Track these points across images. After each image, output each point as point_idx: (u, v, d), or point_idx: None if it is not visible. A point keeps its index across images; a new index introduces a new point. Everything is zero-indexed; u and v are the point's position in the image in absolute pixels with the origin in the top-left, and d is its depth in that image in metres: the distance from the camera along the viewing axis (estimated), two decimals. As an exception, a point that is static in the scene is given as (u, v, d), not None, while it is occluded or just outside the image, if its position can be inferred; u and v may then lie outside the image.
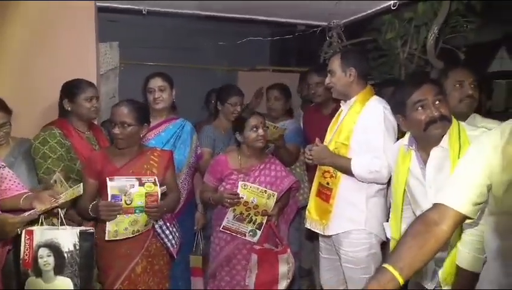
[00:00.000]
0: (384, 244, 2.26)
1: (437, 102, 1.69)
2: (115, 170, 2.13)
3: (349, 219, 2.23)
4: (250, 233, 2.43)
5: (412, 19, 3.41)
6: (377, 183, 2.20)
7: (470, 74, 2.12)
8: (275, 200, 2.41)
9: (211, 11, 3.14)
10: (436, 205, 1.35)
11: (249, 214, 2.41)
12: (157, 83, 2.62)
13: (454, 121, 1.73)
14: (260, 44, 3.90)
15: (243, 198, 2.36)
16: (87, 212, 2.06)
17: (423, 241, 1.26)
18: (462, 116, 1.95)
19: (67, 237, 1.72)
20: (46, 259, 1.70)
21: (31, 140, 2.25)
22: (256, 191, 2.39)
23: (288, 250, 2.46)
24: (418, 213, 1.85)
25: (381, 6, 2.94)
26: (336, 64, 2.30)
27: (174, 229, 2.27)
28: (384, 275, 1.21)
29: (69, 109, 2.30)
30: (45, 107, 2.55)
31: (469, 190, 1.31)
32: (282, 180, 2.51)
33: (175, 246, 2.25)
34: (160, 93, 2.61)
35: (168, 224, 2.23)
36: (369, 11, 3.12)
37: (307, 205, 3.09)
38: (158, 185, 2.07)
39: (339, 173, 2.23)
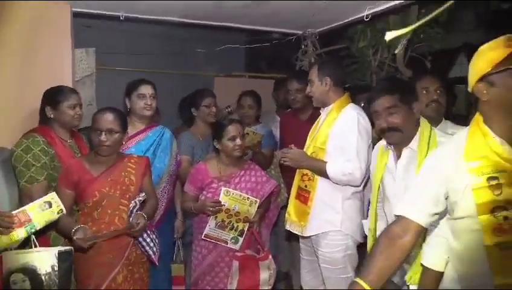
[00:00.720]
0: (360, 246, 2.36)
1: (389, 113, 1.84)
2: (92, 178, 2.11)
3: (326, 221, 2.32)
4: (232, 240, 2.43)
5: (383, 29, 3.57)
6: (351, 186, 2.30)
7: (435, 81, 2.28)
8: (256, 207, 2.43)
9: (188, 18, 3.15)
10: (398, 218, 1.49)
11: (231, 221, 2.42)
12: (149, 90, 2.61)
13: (426, 124, 1.88)
14: (236, 51, 3.94)
15: (224, 205, 2.37)
16: (66, 229, 1.97)
17: (389, 254, 1.42)
18: (433, 121, 2.08)
19: (45, 259, 1.67)
20: (21, 284, 1.64)
21: (7, 148, 2.20)
22: (238, 198, 2.40)
23: (270, 256, 2.48)
24: (386, 210, 1.99)
25: (355, 17, 3.05)
26: (313, 74, 2.42)
27: (154, 236, 2.25)
28: (355, 287, 1.40)
29: (52, 116, 2.26)
30: (21, 115, 2.48)
31: (427, 201, 1.45)
32: (263, 185, 2.55)
33: (156, 254, 2.24)
34: (152, 100, 2.61)
35: (148, 232, 2.21)
36: (342, 22, 3.23)
37: (282, 207, 3.20)
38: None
39: (316, 176, 2.33)
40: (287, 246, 3.49)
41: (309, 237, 2.41)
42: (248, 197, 2.42)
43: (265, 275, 2.44)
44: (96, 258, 2.07)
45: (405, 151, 1.89)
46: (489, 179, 1.32)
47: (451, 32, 4.10)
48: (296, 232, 2.44)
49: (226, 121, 2.56)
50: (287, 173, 2.93)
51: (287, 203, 3.20)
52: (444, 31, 3.77)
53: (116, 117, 2.14)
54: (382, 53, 3.70)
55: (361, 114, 2.32)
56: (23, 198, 2.07)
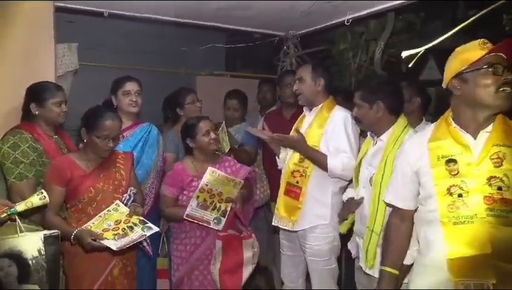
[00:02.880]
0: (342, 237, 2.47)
1: (356, 106, 2.16)
2: (86, 175, 2.12)
3: (316, 215, 2.43)
4: (215, 221, 2.41)
5: (363, 33, 3.72)
6: (342, 179, 2.42)
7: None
8: (239, 187, 2.46)
9: (172, 16, 3.17)
10: (393, 209, 1.79)
11: (213, 201, 2.42)
12: (134, 86, 2.64)
13: (403, 122, 2.09)
14: (217, 50, 3.98)
15: (207, 185, 2.40)
16: (54, 225, 1.97)
17: (397, 241, 1.75)
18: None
19: (30, 243, 1.66)
20: (7, 270, 1.62)
21: None
22: (223, 179, 2.43)
23: (253, 235, 2.48)
24: (360, 192, 2.17)
25: (336, 20, 3.16)
26: (306, 72, 2.50)
27: None
28: (387, 276, 1.73)
29: (37, 113, 2.22)
30: (2, 111, 2.43)
31: (409, 187, 1.71)
32: (238, 171, 2.59)
33: (149, 244, 2.26)
34: (137, 97, 2.63)
35: None
36: (324, 24, 3.33)
37: (267, 204, 3.29)
38: None
39: (308, 172, 2.43)
40: (266, 241, 3.57)
41: (295, 232, 2.49)
42: (233, 179, 2.45)
43: (249, 253, 2.44)
44: (94, 253, 2.07)
45: (378, 141, 2.11)
46: (448, 161, 1.55)
47: (422, 38, 4.32)
48: (286, 228, 2.51)
49: (194, 119, 2.58)
50: (271, 171, 3.01)
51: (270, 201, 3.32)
52: (417, 37, 3.97)
53: (120, 122, 2.19)
54: (361, 56, 3.84)
55: (350, 114, 2.43)
56: (12, 195, 2.04)
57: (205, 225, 2.41)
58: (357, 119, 2.22)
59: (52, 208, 2.03)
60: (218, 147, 2.61)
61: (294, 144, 2.43)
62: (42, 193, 1.71)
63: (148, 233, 2.08)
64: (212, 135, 2.50)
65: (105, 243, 1.97)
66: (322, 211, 2.43)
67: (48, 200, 1.71)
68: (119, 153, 2.31)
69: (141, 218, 2.12)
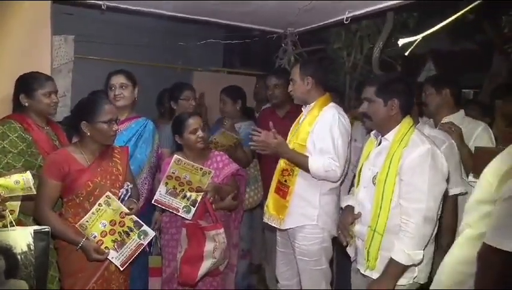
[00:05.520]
0: (335, 239, 2.45)
1: (366, 102, 2.05)
2: (83, 169, 2.08)
3: (303, 215, 2.41)
4: (184, 209, 2.40)
5: (357, 31, 3.73)
6: (329, 181, 2.39)
7: None
8: (210, 177, 2.42)
9: (170, 11, 3.15)
10: None
11: (183, 189, 2.41)
12: (119, 80, 2.61)
13: (408, 122, 2.01)
14: (215, 46, 3.97)
15: (174, 173, 2.38)
16: (47, 220, 1.96)
17: None
18: None
19: (20, 238, 1.66)
20: None
21: None
22: (189, 168, 2.40)
23: (220, 229, 2.40)
24: (360, 196, 2.10)
25: (335, 19, 3.15)
26: (295, 73, 2.49)
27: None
28: None
29: (26, 104, 2.20)
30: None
31: None
32: (224, 167, 2.57)
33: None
34: (121, 90, 2.60)
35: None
36: (323, 22, 3.33)
37: (261, 204, 3.28)
38: None
39: (296, 172, 2.41)
40: (261, 239, 3.58)
41: (286, 230, 2.48)
42: (201, 168, 2.41)
43: (210, 246, 2.37)
44: None
45: (383, 141, 2.05)
46: None
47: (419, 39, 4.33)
48: (274, 225, 2.51)
49: (185, 115, 2.55)
50: (266, 172, 2.99)
51: (263, 201, 3.31)
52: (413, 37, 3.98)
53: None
54: (356, 54, 3.85)
55: (341, 113, 2.42)
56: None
57: (174, 212, 2.41)
58: (365, 116, 2.12)
59: (48, 203, 2.01)
60: (205, 145, 2.56)
61: (276, 149, 2.38)
62: (30, 188, 1.68)
63: (145, 241, 2.11)
64: (200, 133, 2.46)
65: (109, 257, 2.04)
66: (309, 211, 2.40)
67: (26, 186, 1.67)
68: (115, 147, 2.29)
69: (135, 219, 2.12)
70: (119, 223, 2.09)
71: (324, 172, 2.31)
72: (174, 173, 2.39)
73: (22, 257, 1.65)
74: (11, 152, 2.06)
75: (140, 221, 2.14)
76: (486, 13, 4.25)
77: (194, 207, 2.41)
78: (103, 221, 2.05)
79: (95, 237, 2.04)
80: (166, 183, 2.40)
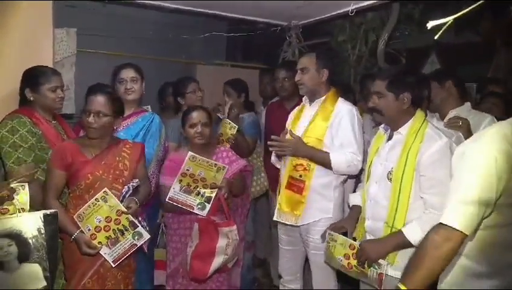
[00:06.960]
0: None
1: (376, 96, 2.00)
2: (86, 161, 2.09)
3: (319, 209, 2.40)
4: (199, 206, 2.38)
5: (361, 24, 3.69)
6: (350, 175, 2.39)
7: None
8: (224, 173, 2.40)
9: (173, 3, 3.12)
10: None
11: (197, 186, 2.40)
12: (129, 73, 2.59)
13: (421, 116, 1.99)
14: (218, 39, 3.94)
15: (189, 170, 2.37)
16: (49, 208, 1.93)
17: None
18: None
19: (30, 223, 1.69)
20: (7, 249, 1.65)
21: None
22: (204, 165, 2.38)
23: (233, 226, 2.38)
24: (371, 191, 2.07)
25: (339, 11, 3.12)
26: (310, 62, 2.43)
27: (145, 224, 2.25)
28: None
29: (32, 99, 2.18)
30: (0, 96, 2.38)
31: None
32: (232, 163, 2.55)
33: (145, 243, 2.22)
34: (132, 84, 2.58)
35: (139, 218, 2.20)
36: (327, 15, 3.30)
37: (268, 197, 3.27)
38: None
39: (312, 166, 2.37)
40: (266, 234, 3.57)
41: (298, 226, 2.44)
42: (215, 164, 2.39)
43: (223, 243, 2.34)
44: None
45: (395, 134, 2.02)
46: None
47: (424, 32, 4.30)
48: (289, 223, 2.45)
49: (190, 109, 2.54)
50: (270, 164, 2.97)
51: (267, 193, 3.31)
52: (418, 30, 3.95)
53: (107, 100, 2.10)
54: (360, 47, 3.82)
55: (355, 108, 2.42)
56: (10, 179, 2.00)
57: (189, 209, 2.38)
58: (375, 110, 2.04)
59: (52, 191, 2.04)
60: (206, 141, 2.51)
61: (294, 149, 2.33)
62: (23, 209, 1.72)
63: (139, 243, 2.10)
64: (198, 129, 2.43)
65: (102, 252, 2.04)
66: (325, 205, 2.39)
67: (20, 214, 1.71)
68: (128, 142, 2.26)
69: (131, 219, 2.09)
70: (115, 220, 2.07)
71: (346, 167, 2.31)
72: (188, 170, 2.36)
73: (33, 240, 1.69)
74: (21, 147, 2.05)
75: (136, 222, 2.11)
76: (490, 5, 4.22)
77: (208, 204, 2.39)
78: (98, 216, 2.05)
79: (89, 229, 2.04)
80: (180, 181, 2.38)
